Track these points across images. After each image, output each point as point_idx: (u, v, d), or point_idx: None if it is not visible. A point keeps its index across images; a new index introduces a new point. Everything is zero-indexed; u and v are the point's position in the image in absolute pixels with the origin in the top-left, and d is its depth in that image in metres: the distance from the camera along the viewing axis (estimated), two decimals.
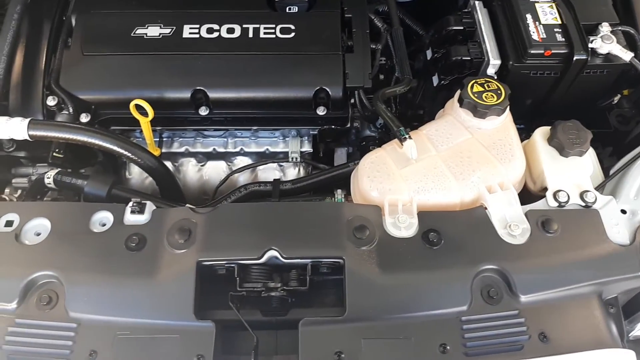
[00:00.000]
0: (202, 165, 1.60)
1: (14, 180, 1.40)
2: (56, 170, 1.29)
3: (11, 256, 1.08)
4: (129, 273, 1.06)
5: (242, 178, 1.61)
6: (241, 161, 1.61)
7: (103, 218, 1.14)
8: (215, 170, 1.61)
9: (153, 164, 1.31)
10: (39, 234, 1.12)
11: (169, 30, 1.45)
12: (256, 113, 1.47)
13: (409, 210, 1.16)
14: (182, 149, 1.56)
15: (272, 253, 1.08)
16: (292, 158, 1.56)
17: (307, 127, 1.52)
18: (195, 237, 1.09)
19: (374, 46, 1.50)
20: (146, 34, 1.45)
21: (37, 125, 1.23)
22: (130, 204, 1.14)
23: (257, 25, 1.47)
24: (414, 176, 1.20)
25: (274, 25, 1.47)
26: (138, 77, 1.41)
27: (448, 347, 1.01)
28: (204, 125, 1.49)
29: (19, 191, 1.40)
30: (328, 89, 1.41)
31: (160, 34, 1.45)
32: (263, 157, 1.61)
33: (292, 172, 1.61)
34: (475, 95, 1.26)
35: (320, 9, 1.52)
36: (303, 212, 1.15)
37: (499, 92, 1.27)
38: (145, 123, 1.35)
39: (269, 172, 1.62)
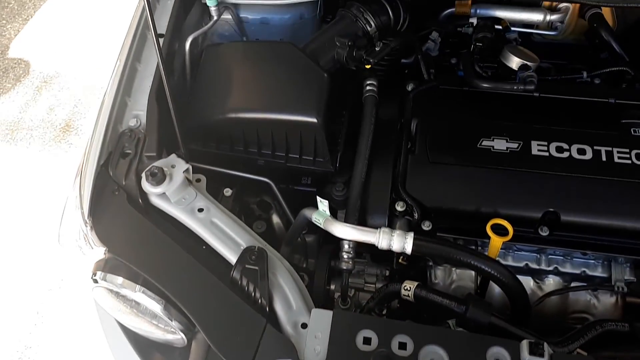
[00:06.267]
0: None
1: (351, 280, 1.39)
2: (416, 284, 1.26)
3: None
4: None
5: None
6: (552, 280, 1.53)
7: (497, 354, 1.09)
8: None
9: (518, 289, 1.25)
10: None
11: (516, 145, 1.43)
12: (596, 239, 1.39)
13: None
14: None
15: None
16: (617, 287, 1.45)
17: None
18: None
19: None
20: (493, 146, 1.43)
21: (422, 242, 1.22)
22: (526, 342, 1.08)
23: (610, 149, 1.40)
24: None
25: (628, 150, 1.40)
26: (486, 192, 1.38)
27: None
28: (535, 244, 1.43)
29: (353, 291, 1.40)
30: None
31: (507, 148, 1.42)
32: (576, 279, 1.52)
33: (607, 301, 1.51)
34: None
35: None
36: None
37: None
38: (499, 242, 1.30)
39: (579, 296, 1.52)
